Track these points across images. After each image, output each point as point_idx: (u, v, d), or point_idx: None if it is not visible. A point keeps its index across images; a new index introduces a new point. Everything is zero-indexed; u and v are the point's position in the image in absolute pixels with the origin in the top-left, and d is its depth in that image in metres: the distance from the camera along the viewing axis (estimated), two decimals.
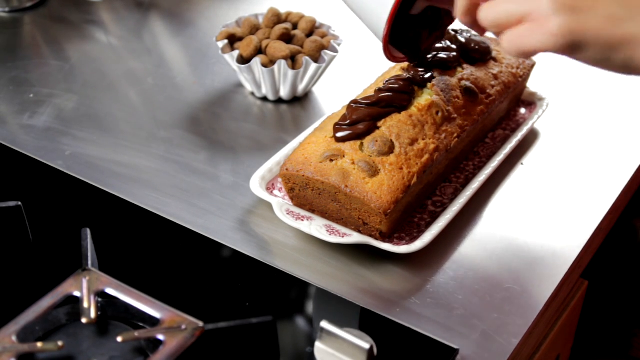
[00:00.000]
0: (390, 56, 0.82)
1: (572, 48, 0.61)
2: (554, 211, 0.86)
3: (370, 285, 0.77)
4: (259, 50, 1.00)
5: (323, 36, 1.03)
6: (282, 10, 1.05)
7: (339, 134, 0.79)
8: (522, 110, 0.99)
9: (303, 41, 1.01)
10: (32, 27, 1.22)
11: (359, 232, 0.79)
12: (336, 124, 0.81)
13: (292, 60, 0.99)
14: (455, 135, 0.84)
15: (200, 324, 0.64)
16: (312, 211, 0.82)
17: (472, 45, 0.91)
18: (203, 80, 1.08)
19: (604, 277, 1.17)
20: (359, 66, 1.10)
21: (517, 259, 0.80)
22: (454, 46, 0.90)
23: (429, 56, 0.88)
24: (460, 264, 0.79)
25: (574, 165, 0.93)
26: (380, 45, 0.79)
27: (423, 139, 0.81)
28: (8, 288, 0.73)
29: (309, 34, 1.03)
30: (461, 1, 0.68)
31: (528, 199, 0.88)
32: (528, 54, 0.63)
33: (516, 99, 0.99)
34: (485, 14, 0.65)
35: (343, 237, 0.77)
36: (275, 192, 0.85)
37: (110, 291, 0.67)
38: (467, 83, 0.87)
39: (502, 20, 0.63)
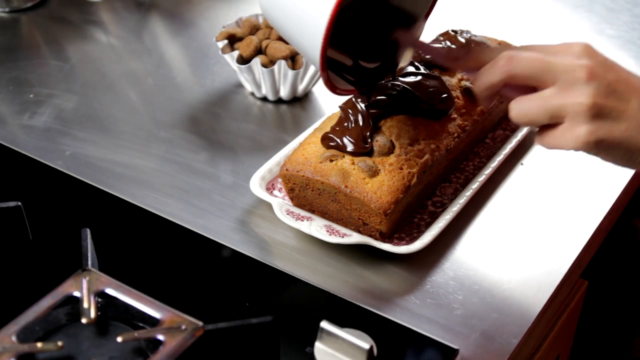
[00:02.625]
0: (331, 86, 0.74)
1: (598, 150, 0.64)
2: (554, 211, 0.86)
3: (370, 285, 0.77)
4: (259, 51, 1.00)
5: None
6: None
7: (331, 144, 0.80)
8: (567, 150, 0.99)
9: None
10: (32, 27, 1.22)
11: (359, 232, 0.79)
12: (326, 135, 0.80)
13: (292, 60, 1.00)
14: (455, 135, 0.84)
15: (200, 324, 0.64)
16: (312, 211, 0.82)
17: (472, 45, 0.91)
18: (203, 80, 1.08)
19: (604, 277, 1.17)
20: None
21: (517, 259, 0.80)
22: (454, 46, 0.90)
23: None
24: (460, 264, 0.79)
25: (574, 165, 0.93)
26: None
27: (423, 139, 0.81)
28: (8, 288, 0.73)
29: None
30: (492, 77, 0.67)
31: (528, 199, 0.88)
32: (557, 149, 0.66)
33: None
34: (521, 112, 0.65)
35: (343, 237, 0.77)
36: (275, 192, 0.85)
37: (110, 291, 0.67)
38: (467, 83, 0.87)
39: (538, 121, 0.65)
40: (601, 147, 0.63)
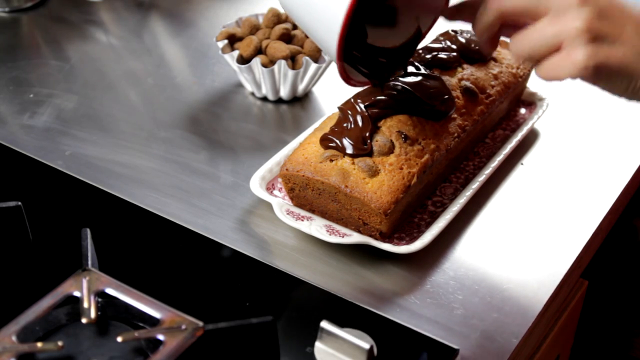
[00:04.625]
0: (345, 77, 0.76)
1: (597, 77, 0.63)
2: (554, 211, 0.86)
3: (370, 285, 0.77)
4: (259, 51, 1.00)
5: None
6: (282, 10, 1.05)
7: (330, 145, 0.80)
8: (522, 110, 0.99)
9: (303, 41, 1.01)
10: (32, 27, 1.22)
11: (359, 232, 0.79)
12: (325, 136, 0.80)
13: (292, 60, 1.00)
14: (455, 135, 0.84)
15: (200, 324, 0.64)
16: (312, 211, 0.82)
17: (472, 45, 0.91)
18: (203, 80, 1.08)
19: (604, 277, 1.17)
20: None
21: (517, 259, 0.80)
22: (454, 46, 0.90)
23: (429, 56, 0.88)
24: (460, 264, 0.79)
25: (574, 165, 0.93)
26: None
27: (423, 139, 0.81)
28: (8, 288, 0.73)
29: None
30: (486, 18, 0.68)
31: (528, 199, 0.88)
32: (560, 80, 0.65)
33: (516, 99, 0.99)
34: (520, 47, 0.65)
35: (343, 237, 0.77)
36: (275, 192, 0.85)
37: (110, 291, 0.67)
38: (467, 83, 0.87)
39: (537, 52, 0.64)
40: (601, 73, 0.62)
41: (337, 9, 0.67)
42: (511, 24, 0.67)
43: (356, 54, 0.77)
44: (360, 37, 0.76)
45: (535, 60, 0.66)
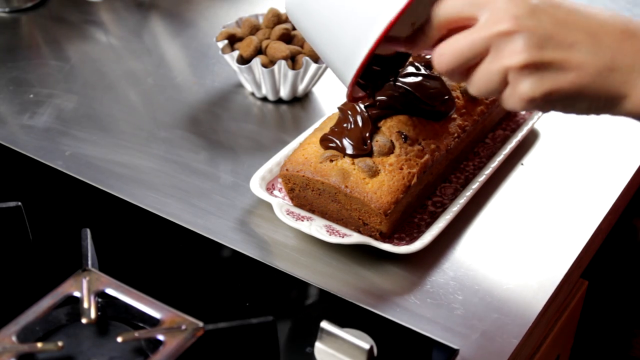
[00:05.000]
0: (351, 97, 0.74)
1: (550, 105, 0.59)
2: (554, 211, 0.86)
3: (370, 285, 0.77)
4: (259, 51, 1.00)
5: None
6: (282, 10, 1.05)
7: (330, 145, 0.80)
8: (522, 111, 0.99)
9: (303, 41, 1.01)
10: (32, 27, 1.22)
11: (359, 232, 0.79)
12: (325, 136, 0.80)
13: (292, 60, 0.99)
14: (455, 135, 0.84)
15: (200, 324, 0.64)
16: (312, 211, 0.82)
17: None
18: (203, 81, 1.08)
19: (604, 277, 1.17)
20: None
21: (517, 259, 0.80)
22: None
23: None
24: (460, 264, 0.79)
25: (574, 165, 0.93)
26: None
27: (423, 139, 0.81)
28: (8, 288, 0.73)
29: None
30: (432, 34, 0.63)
31: (528, 199, 0.88)
32: (513, 110, 0.62)
33: None
34: (441, 61, 0.61)
35: (343, 237, 0.77)
36: (275, 192, 0.85)
37: (110, 291, 0.67)
38: None
39: (489, 91, 0.60)
40: (552, 101, 0.58)
41: (359, 49, 0.65)
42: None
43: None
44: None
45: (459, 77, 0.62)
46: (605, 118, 1.02)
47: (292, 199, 0.83)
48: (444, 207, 0.83)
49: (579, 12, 0.58)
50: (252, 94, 1.05)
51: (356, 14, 0.65)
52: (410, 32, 0.76)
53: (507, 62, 0.57)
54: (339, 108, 0.82)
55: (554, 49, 0.57)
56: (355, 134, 0.79)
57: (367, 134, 0.78)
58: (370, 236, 0.79)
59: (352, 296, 0.75)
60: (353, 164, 0.78)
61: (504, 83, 0.59)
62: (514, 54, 0.57)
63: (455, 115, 0.84)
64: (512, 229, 0.84)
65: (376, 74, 0.78)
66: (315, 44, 0.71)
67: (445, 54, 0.60)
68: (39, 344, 0.62)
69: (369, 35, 0.64)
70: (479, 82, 0.60)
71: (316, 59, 1.00)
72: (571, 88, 0.57)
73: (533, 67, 0.57)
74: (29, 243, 0.78)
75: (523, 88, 0.58)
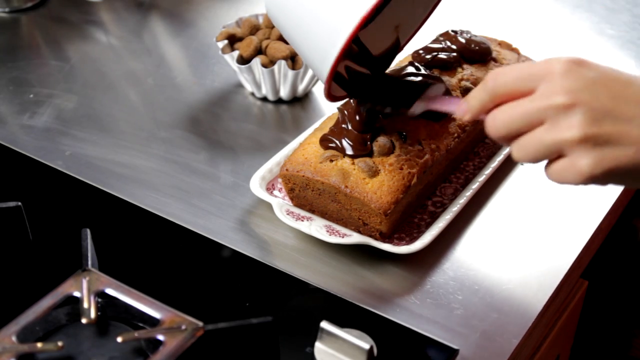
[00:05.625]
0: (329, 96, 0.75)
1: (609, 180, 0.58)
2: (554, 211, 0.86)
3: (370, 285, 0.77)
4: (259, 51, 1.00)
5: None
6: None
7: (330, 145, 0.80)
8: (577, 185, 0.98)
9: None
10: (32, 27, 1.22)
11: (359, 232, 0.79)
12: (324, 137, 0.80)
13: (292, 60, 0.99)
14: (455, 135, 0.84)
15: (200, 324, 0.64)
16: (312, 211, 0.82)
17: (472, 45, 0.91)
18: (203, 81, 1.08)
19: (604, 277, 1.17)
20: None
21: (517, 259, 0.80)
22: (454, 46, 0.90)
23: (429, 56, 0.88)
24: (460, 264, 0.79)
25: None
26: None
27: (423, 139, 0.81)
28: (8, 288, 0.73)
29: None
30: (477, 102, 0.62)
31: (528, 199, 0.88)
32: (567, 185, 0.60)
33: None
34: (519, 155, 0.60)
35: (343, 237, 0.77)
36: (275, 192, 0.85)
37: (110, 291, 0.67)
38: (467, 83, 0.87)
39: (537, 159, 0.59)
40: (612, 176, 0.57)
41: (333, 41, 0.65)
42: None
43: (341, 73, 0.75)
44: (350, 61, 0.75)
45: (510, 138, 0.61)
46: None
47: (292, 199, 0.83)
48: (444, 207, 0.83)
49: (636, 85, 0.57)
50: (252, 94, 1.05)
51: (330, 11, 0.66)
52: (394, 35, 0.75)
53: (563, 135, 0.57)
54: (338, 108, 0.82)
55: (612, 123, 0.56)
56: (354, 134, 0.79)
57: (367, 135, 0.78)
58: (370, 236, 0.79)
59: (352, 296, 0.75)
60: (353, 164, 0.78)
61: (555, 154, 0.58)
62: (571, 127, 0.56)
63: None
64: (512, 229, 0.84)
65: (360, 75, 0.78)
66: (293, 41, 0.71)
67: (498, 120, 0.60)
68: (39, 344, 0.62)
69: (342, 31, 0.65)
70: (528, 149, 0.59)
71: None
72: (631, 162, 0.56)
73: (591, 142, 0.56)
74: (29, 243, 0.78)
75: (583, 163, 0.57)
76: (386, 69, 0.82)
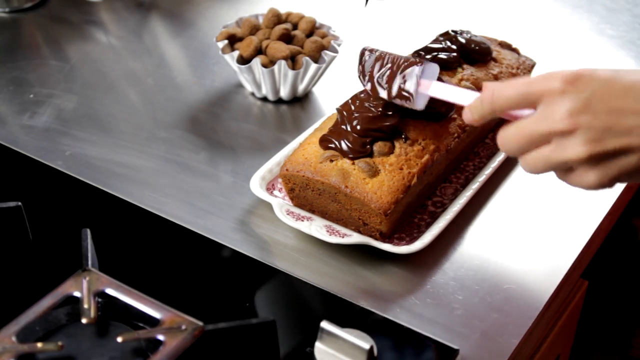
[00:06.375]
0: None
1: (619, 183, 0.61)
2: (554, 211, 0.86)
3: (370, 285, 0.77)
4: (259, 51, 1.00)
5: (323, 36, 1.03)
6: (282, 10, 1.05)
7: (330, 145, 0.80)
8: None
9: (303, 41, 1.01)
10: (32, 27, 1.22)
11: (359, 232, 0.79)
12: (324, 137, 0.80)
13: (292, 60, 0.99)
14: (456, 135, 0.84)
15: (200, 324, 0.64)
16: (312, 211, 0.82)
17: (472, 45, 0.91)
18: (203, 81, 1.08)
19: (604, 277, 1.17)
20: None
21: (517, 259, 0.80)
22: (454, 47, 0.90)
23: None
24: (460, 264, 0.79)
25: None
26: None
27: (423, 139, 0.81)
28: (8, 288, 0.73)
29: (309, 34, 1.03)
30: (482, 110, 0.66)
31: (528, 199, 0.88)
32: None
33: None
34: (530, 169, 0.63)
35: (343, 237, 0.77)
36: (275, 192, 0.85)
37: (110, 291, 0.67)
38: (467, 83, 0.87)
39: (548, 171, 0.63)
40: (621, 181, 0.61)
41: None
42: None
43: None
44: None
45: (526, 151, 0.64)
46: None
47: (292, 199, 0.83)
48: (444, 207, 0.83)
49: (633, 91, 0.59)
50: (252, 94, 1.05)
51: None
52: None
53: (569, 156, 0.60)
54: (337, 109, 0.82)
55: (614, 138, 0.58)
56: (353, 137, 0.79)
57: (367, 139, 0.78)
58: (370, 236, 0.79)
59: (352, 296, 0.75)
60: (353, 164, 0.78)
61: (563, 168, 0.62)
62: (575, 150, 0.59)
63: (455, 116, 0.84)
64: (512, 229, 0.84)
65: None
66: None
67: (508, 140, 0.63)
68: (39, 344, 0.62)
69: None
70: (537, 164, 0.62)
71: (316, 59, 1.00)
72: (636, 168, 0.59)
73: (597, 159, 0.59)
74: (29, 243, 0.78)
75: (590, 178, 0.60)
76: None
